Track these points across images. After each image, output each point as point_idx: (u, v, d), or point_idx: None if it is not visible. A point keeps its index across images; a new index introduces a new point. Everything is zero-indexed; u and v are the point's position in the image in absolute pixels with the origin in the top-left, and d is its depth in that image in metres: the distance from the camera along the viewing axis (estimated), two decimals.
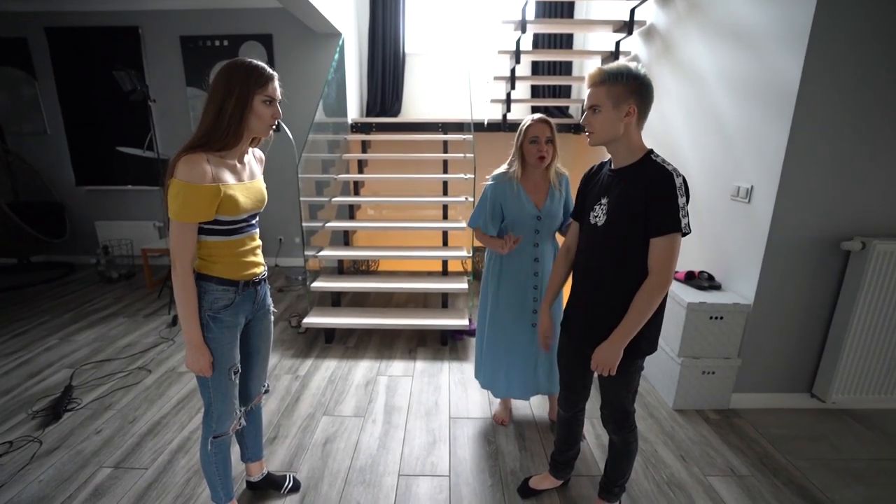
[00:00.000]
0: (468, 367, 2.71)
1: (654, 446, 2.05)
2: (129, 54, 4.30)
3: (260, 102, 1.22)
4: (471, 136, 3.60)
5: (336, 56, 3.78)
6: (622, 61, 1.25)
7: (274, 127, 1.30)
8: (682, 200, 1.19)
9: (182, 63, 4.34)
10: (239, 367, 1.37)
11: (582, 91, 4.66)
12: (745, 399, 2.34)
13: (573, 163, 4.95)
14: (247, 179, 1.32)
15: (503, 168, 1.94)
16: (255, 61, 1.23)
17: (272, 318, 1.53)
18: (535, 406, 2.33)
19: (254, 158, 1.40)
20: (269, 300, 1.50)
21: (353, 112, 4.44)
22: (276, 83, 1.26)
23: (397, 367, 2.72)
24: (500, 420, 2.19)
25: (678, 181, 1.19)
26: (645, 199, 1.20)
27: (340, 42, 3.96)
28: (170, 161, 1.19)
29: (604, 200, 1.31)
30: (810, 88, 1.91)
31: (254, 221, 1.37)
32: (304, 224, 3.12)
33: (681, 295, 2.26)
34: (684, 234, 1.21)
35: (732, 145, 2.32)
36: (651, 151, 1.26)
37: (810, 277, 2.17)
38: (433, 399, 2.39)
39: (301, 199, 3.10)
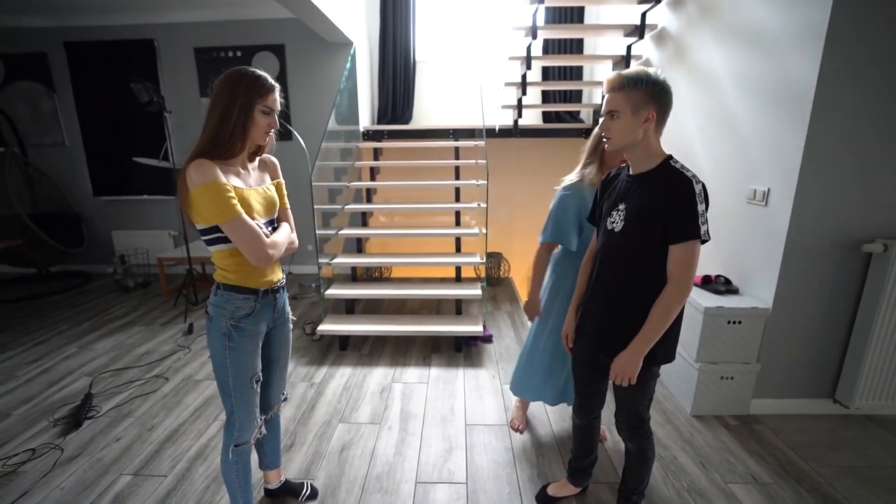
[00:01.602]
0: (483, 374, 2.70)
1: (672, 453, 2.02)
2: (144, 66, 4.40)
3: (259, 112, 1.23)
4: (482, 143, 3.61)
5: (348, 65, 3.83)
6: (641, 66, 1.26)
7: (271, 136, 1.32)
8: (701, 207, 1.18)
9: (196, 74, 4.42)
10: (261, 376, 1.38)
11: (593, 95, 4.66)
12: (765, 405, 2.30)
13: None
14: (254, 185, 1.33)
15: (575, 175, 1.78)
16: (259, 71, 1.25)
17: (291, 326, 1.54)
18: (552, 412, 2.31)
19: (259, 166, 1.40)
20: (289, 308, 1.52)
21: (365, 120, 4.49)
22: (277, 94, 1.28)
23: (412, 373, 2.72)
24: (516, 426, 2.17)
25: (697, 188, 1.18)
26: (664, 205, 1.20)
27: (352, 51, 4.01)
28: (181, 171, 1.21)
29: (622, 206, 1.30)
30: (827, 89, 1.89)
31: (269, 230, 1.37)
32: (317, 232, 3.14)
33: (698, 299, 2.23)
34: (703, 242, 1.20)
35: (747, 148, 2.30)
36: (670, 157, 1.25)
37: (831, 280, 2.14)
38: (448, 406, 2.39)
39: (314, 206, 3.13)
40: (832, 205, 2.04)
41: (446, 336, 3.14)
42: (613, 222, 1.32)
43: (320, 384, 2.60)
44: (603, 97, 1.28)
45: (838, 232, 2.08)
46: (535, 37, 3.23)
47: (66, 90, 4.52)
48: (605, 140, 1.29)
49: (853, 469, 1.90)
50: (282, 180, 1.47)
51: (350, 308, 3.27)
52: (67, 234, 4.52)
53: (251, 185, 1.32)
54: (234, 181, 1.25)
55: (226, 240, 1.25)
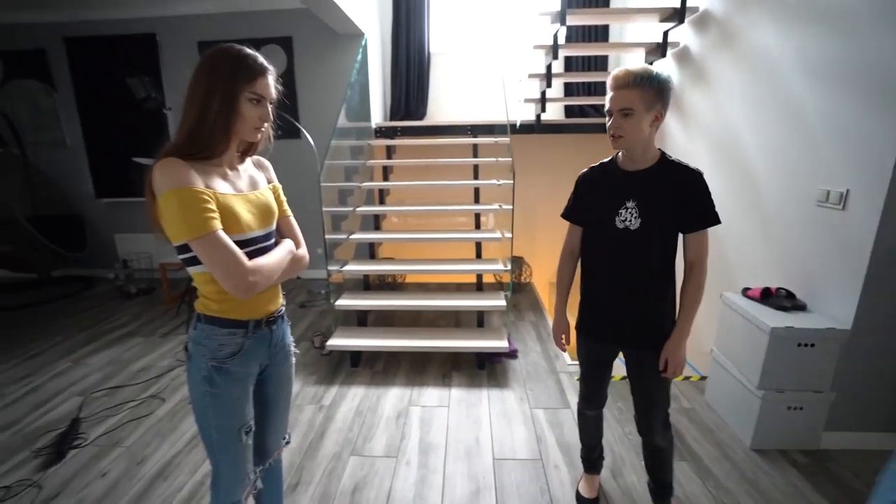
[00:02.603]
0: (510, 396, 2.43)
1: (737, 498, 1.73)
2: (146, 62, 4.18)
3: (246, 101, 0.98)
4: (505, 139, 3.33)
5: (359, 57, 3.57)
6: (644, 64, 1.25)
7: (264, 131, 1.07)
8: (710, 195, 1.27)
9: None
10: (252, 426, 1.13)
11: None
12: (838, 439, 2.00)
13: None
14: (245, 189, 1.07)
15: None
16: (246, 49, 1.00)
17: (293, 360, 1.28)
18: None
19: (252, 166, 1.16)
20: (290, 339, 1.26)
21: (377, 116, 4.23)
22: (270, 79, 1.02)
23: (430, 395, 2.46)
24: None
25: (703, 177, 1.27)
26: (678, 198, 1.26)
27: (363, 42, 3.75)
28: (147, 174, 0.95)
29: (629, 203, 1.31)
30: None
31: (267, 243, 1.11)
32: (326, 237, 2.90)
33: (760, 317, 1.94)
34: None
35: (817, 143, 1.99)
36: (663, 152, 1.30)
37: None
38: (473, 435, 2.12)
39: (323, 209, 2.88)
40: None
41: (467, 352, 2.87)
42: (625, 220, 1.31)
43: (330, 407, 2.35)
44: (608, 94, 1.25)
45: None
46: (563, 22, 2.94)
47: (67, 87, 4.32)
48: (613, 138, 1.27)
49: None
50: (278, 184, 1.22)
51: (362, 319, 3.02)
52: (69, 238, 4.34)
53: (242, 190, 1.06)
54: (219, 185, 1.00)
55: None
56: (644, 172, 1.30)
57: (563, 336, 1.57)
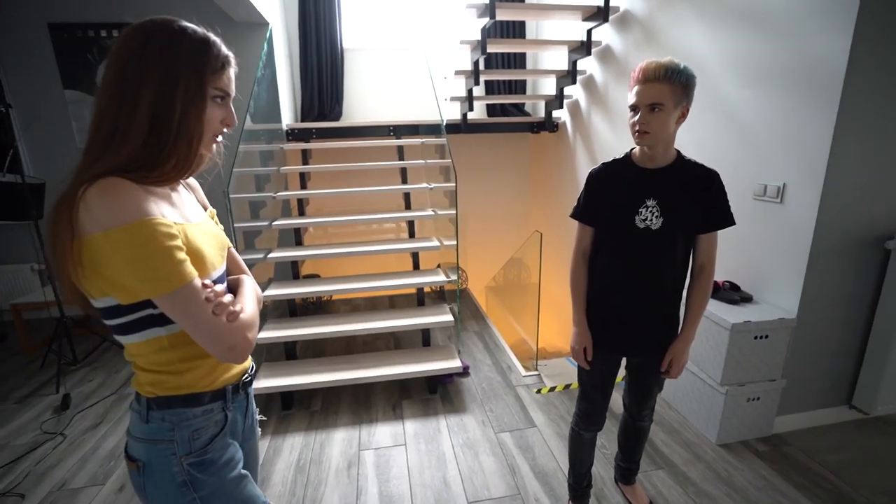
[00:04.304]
0: (470, 422, 2.21)
1: (718, 503, 1.69)
2: None
3: (210, 99, 0.72)
4: (434, 140, 3.11)
5: (265, 48, 3.11)
6: (669, 57, 1.15)
7: (219, 141, 0.78)
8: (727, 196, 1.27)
9: (55, 59, 3.39)
10: None
11: (539, 85, 4.36)
12: (786, 422, 2.08)
13: (531, 164, 4.65)
14: (193, 218, 0.78)
15: None
16: (199, 28, 0.72)
17: (259, 430, 0.99)
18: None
19: (185, 188, 0.84)
20: (254, 405, 0.96)
21: (287, 117, 3.76)
22: (233, 69, 0.76)
23: (383, 433, 2.15)
24: None
25: (720, 178, 1.26)
26: (700, 198, 1.24)
27: (268, 33, 3.29)
28: (61, 202, 0.65)
29: (650, 202, 1.25)
30: (859, 72, 1.66)
31: (223, 283, 0.83)
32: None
33: (720, 314, 1.94)
34: None
35: (751, 140, 2.05)
36: (679, 151, 1.28)
37: (853, 281, 1.95)
38: (439, 476, 1.87)
39: (234, 225, 2.42)
40: (857, 199, 1.83)
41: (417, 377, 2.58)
42: (646, 220, 1.26)
43: (264, 467, 1.93)
44: (633, 88, 1.18)
45: (861, 228, 1.89)
46: (493, 16, 2.79)
47: None
48: (640, 134, 1.19)
49: None
50: (213, 209, 0.91)
51: (290, 351, 2.60)
52: None
53: (191, 220, 0.77)
54: (169, 213, 0.71)
55: (159, 321, 0.72)
56: (664, 170, 1.25)
57: (585, 349, 1.41)
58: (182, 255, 0.68)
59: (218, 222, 0.90)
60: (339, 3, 3.89)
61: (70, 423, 2.26)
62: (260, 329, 2.43)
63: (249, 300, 0.81)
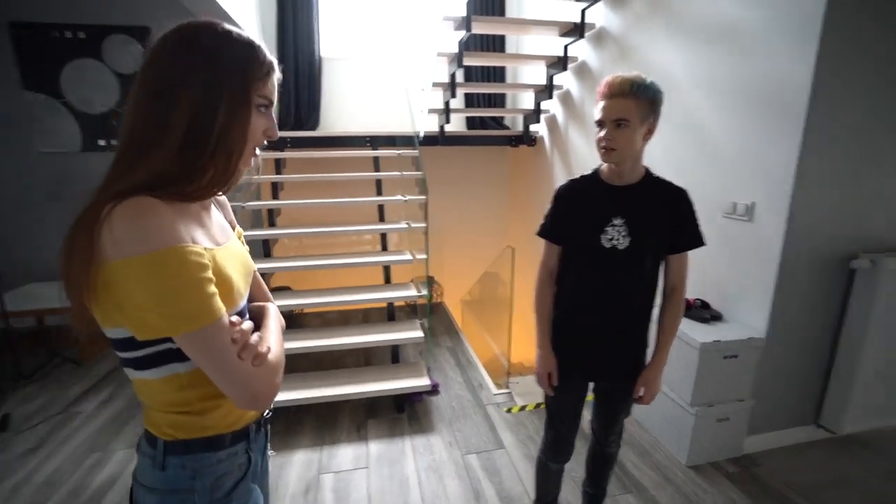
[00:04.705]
0: (437, 443, 2.14)
1: None
2: None
3: (255, 108, 0.66)
4: (411, 152, 3.07)
5: None
6: (635, 72, 1.12)
7: (258, 155, 0.72)
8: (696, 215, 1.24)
9: (15, 59, 3.26)
10: None
11: (518, 99, 4.37)
12: (756, 442, 2.06)
13: (510, 178, 4.64)
14: (222, 240, 0.71)
15: None
16: (243, 32, 0.66)
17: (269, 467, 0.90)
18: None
19: (215, 205, 0.78)
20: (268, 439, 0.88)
21: None
22: (277, 75, 0.69)
23: (344, 455, 2.06)
24: None
25: (689, 196, 1.23)
26: (669, 217, 1.21)
27: None
28: (82, 220, 0.58)
29: (617, 221, 1.21)
30: (824, 91, 1.67)
31: (246, 312, 0.76)
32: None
33: (689, 333, 1.91)
34: None
35: (720, 157, 2.05)
36: (647, 168, 1.24)
37: (820, 301, 1.96)
38: (400, 502, 1.78)
39: None
40: (823, 219, 1.84)
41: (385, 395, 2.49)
42: (612, 239, 1.21)
43: None
44: (599, 103, 1.16)
45: (827, 247, 1.89)
46: (469, 29, 2.78)
47: None
48: (605, 151, 1.16)
49: None
50: (240, 228, 0.84)
51: None
52: None
53: (220, 242, 0.70)
54: (200, 236, 0.64)
55: (179, 355, 0.63)
56: (632, 188, 1.22)
57: (550, 374, 1.35)
58: (212, 289, 0.60)
59: (244, 242, 0.82)
60: (317, 11, 3.86)
61: (10, 444, 2.11)
62: None
63: (276, 337, 0.73)
